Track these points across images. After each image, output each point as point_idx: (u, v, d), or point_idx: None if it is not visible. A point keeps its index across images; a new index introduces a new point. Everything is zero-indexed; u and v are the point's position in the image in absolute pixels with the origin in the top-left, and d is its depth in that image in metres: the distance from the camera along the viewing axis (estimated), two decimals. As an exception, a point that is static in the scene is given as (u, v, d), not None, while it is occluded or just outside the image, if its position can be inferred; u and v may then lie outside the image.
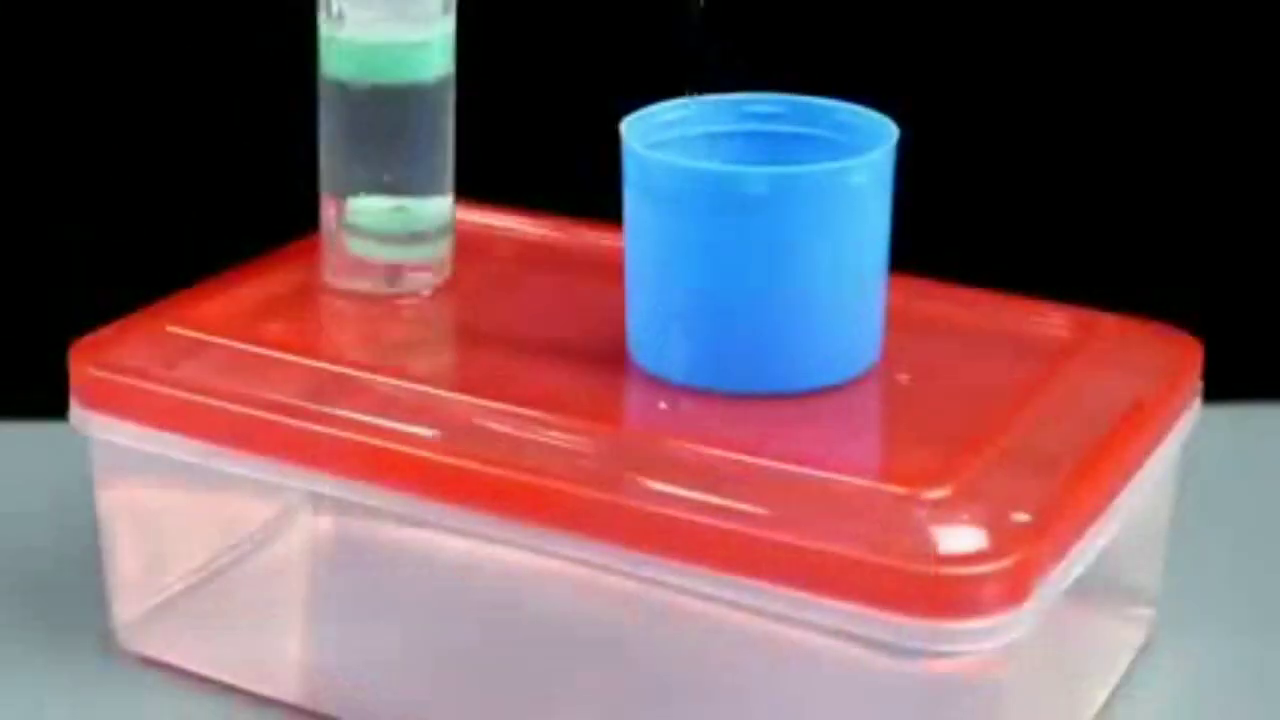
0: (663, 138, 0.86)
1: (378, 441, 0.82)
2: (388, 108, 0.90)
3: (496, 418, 0.82)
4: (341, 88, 0.90)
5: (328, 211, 0.92)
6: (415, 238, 0.92)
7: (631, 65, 0.94)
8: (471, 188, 0.95)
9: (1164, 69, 1.15)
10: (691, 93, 0.87)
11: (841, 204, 0.82)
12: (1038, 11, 1.15)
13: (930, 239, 0.94)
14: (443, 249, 0.93)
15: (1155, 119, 1.16)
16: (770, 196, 0.81)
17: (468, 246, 0.95)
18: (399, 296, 0.92)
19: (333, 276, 0.93)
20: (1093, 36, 1.16)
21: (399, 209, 0.92)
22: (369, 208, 0.92)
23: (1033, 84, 1.15)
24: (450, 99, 0.92)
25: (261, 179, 1.12)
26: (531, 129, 1.13)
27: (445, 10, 0.90)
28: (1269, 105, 1.15)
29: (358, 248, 0.92)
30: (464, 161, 0.94)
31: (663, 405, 0.84)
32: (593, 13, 1.11)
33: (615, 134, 0.85)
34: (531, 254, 0.98)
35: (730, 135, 0.88)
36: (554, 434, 0.81)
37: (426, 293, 0.93)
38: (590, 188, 0.88)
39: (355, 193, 0.92)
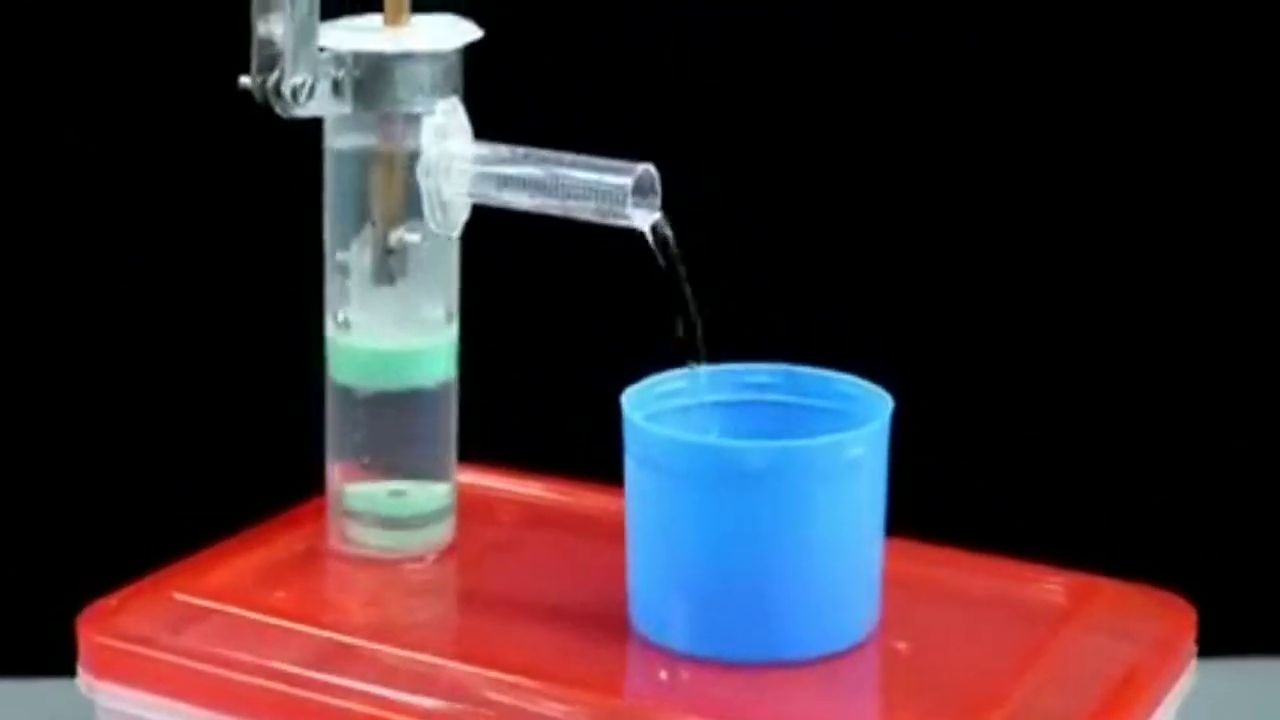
0: (662, 408, 0.86)
1: (380, 712, 0.80)
2: (392, 410, 0.90)
3: (498, 688, 0.81)
4: (347, 392, 0.91)
5: (333, 476, 0.92)
6: (413, 522, 0.92)
7: (634, 332, 0.94)
8: (474, 448, 0.95)
9: (1146, 328, 1.16)
10: (692, 364, 0.87)
11: (839, 476, 0.82)
12: (1026, 277, 1.15)
13: (927, 502, 0.94)
14: (441, 533, 0.93)
15: (1142, 383, 1.16)
16: (769, 470, 0.80)
17: (470, 509, 0.94)
18: (403, 561, 0.91)
19: (338, 541, 0.92)
20: (1074, 293, 1.16)
21: (396, 493, 0.91)
22: (366, 492, 0.91)
23: (1024, 352, 1.16)
24: (453, 400, 0.92)
25: (270, 442, 1.12)
26: (534, 391, 1.13)
27: (449, 320, 0.91)
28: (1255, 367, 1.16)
29: (355, 534, 0.92)
30: (467, 422, 0.94)
31: (663, 675, 0.82)
32: (597, 279, 1.12)
33: (618, 392, 0.85)
34: (534, 517, 0.97)
35: (729, 405, 0.89)
36: (555, 705, 0.80)
37: (430, 557, 0.92)
38: (593, 448, 0.88)
39: (357, 473, 0.91)
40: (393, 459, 0.91)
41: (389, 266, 0.88)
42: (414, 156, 0.87)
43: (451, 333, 0.91)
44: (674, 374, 0.87)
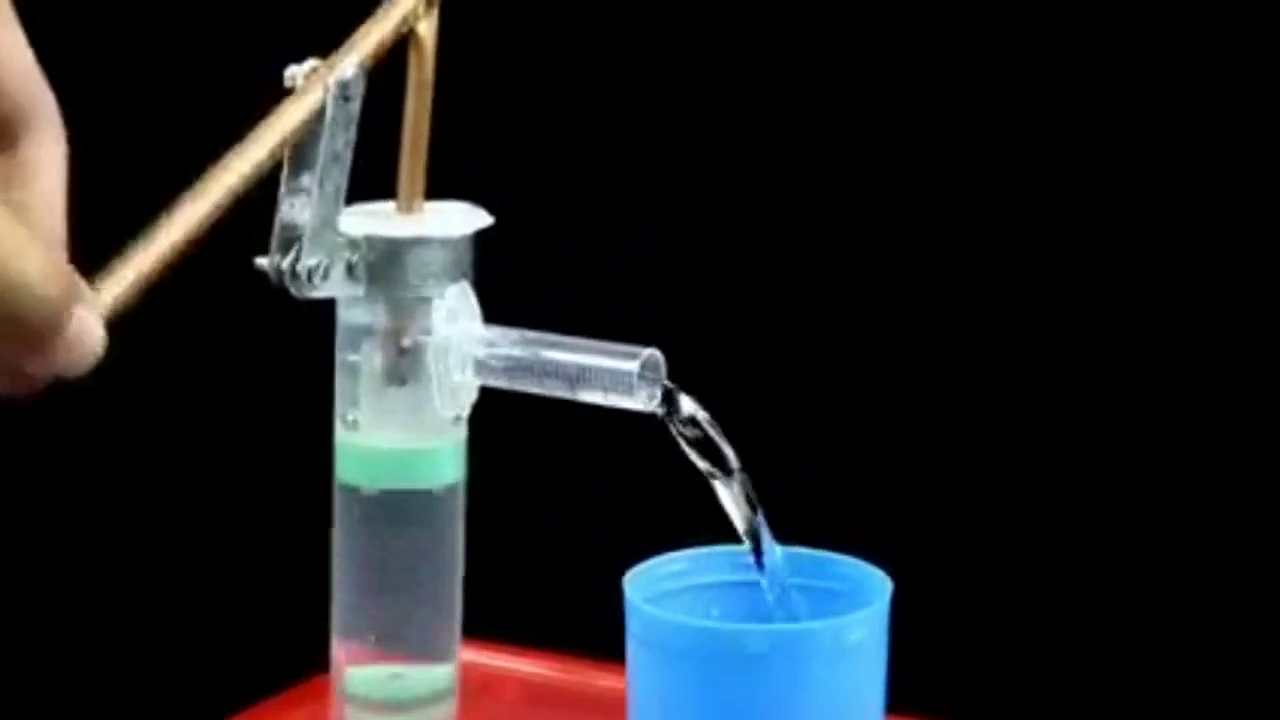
0: (663, 589, 0.85)
1: None
2: (398, 517, 0.89)
3: None
4: (354, 492, 0.89)
5: (338, 656, 0.90)
6: (413, 705, 0.89)
7: (638, 510, 0.93)
8: (477, 623, 0.94)
9: (1141, 495, 1.15)
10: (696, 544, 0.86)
11: (840, 659, 0.80)
12: (1021, 456, 1.15)
13: (927, 680, 0.93)
14: (441, 715, 0.90)
15: (1139, 561, 1.15)
16: (769, 653, 0.79)
17: (472, 686, 0.92)
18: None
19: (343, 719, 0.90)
20: (1072, 475, 1.16)
21: (396, 676, 0.89)
22: (365, 676, 0.89)
23: (1023, 530, 1.15)
24: (460, 510, 0.90)
25: (274, 617, 1.11)
26: (538, 567, 1.12)
27: (458, 421, 0.90)
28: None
29: (353, 716, 0.89)
30: (469, 596, 0.93)
31: None
32: (601, 460, 1.11)
33: (623, 569, 0.84)
34: (536, 695, 0.96)
35: (729, 585, 0.87)
36: None
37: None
38: (597, 623, 0.87)
39: (359, 655, 0.90)
40: (399, 600, 0.89)
41: (400, 367, 0.88)
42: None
43: (459, 434, 0.89)
44: (675, 555, 0.86)
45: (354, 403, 0.88)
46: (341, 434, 0.89)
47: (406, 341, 0.87)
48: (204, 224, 0.75)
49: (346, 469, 0.89)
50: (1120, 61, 1.14)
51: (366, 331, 0.87)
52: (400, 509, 0.89)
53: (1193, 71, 1.12)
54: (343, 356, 0.88)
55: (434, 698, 0.90)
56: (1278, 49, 1.12)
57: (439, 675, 0.90)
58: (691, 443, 0.83)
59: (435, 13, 0.87)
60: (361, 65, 0.83)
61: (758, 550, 0.84)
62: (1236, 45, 1.13)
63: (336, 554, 0.90)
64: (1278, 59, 1.12)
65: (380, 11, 0.85)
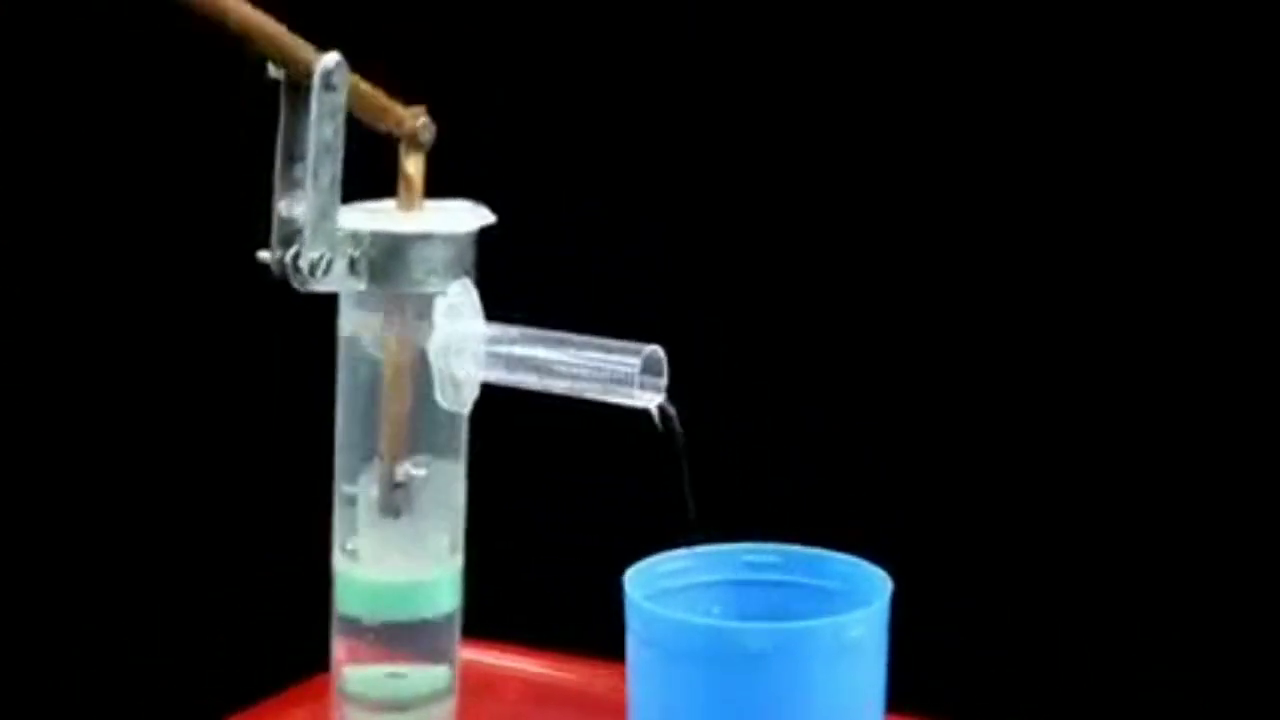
0: (664, 587, 0.85)
1: None
2: (397, 642, 0.89)
3: None
4: (354, 621, 0.89)
5: (339, 655, 0.89)
6: (412, 704, 0.89)
7: (639, 509, 0.93)
8: (478, 622, 0.94)
9: (1139, 495, 1.15)
10: (694, 542, 0.86)
11: (840, 657, 0.80)
12: (1020, 455, 1.15)
13: (927, 679, 0.92)
14: (441, 714, 0.90)
15: (1141, 561, 1.15)
16: (770, 651, 0.79)
17: (474, 686, 0.92)
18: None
19: (341, 717, 0.90)
20: (1071, 474, 1.15)
21: (394, 675, 0.89)
22: (364, 675, 0.89)
23: (1022, 528, 1.15)
24: (458, 626, 0.90)
25: (274, 617, 1.11)
26: (538, 566, 1.12)
27: (454, 550, 0.90)
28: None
29: (353, 717, 0.89)
30: (470, 596, 0.92)
31: None
32: (601, 459, 1.11)
33: (623, 567, 0.84)
34: (536, 694, 0.96)
35: (730, 584, 0.87)
36: None
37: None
38: (597, 622, 0.87)
39: (357, 660, 0.89)
40: (396, 649, 0.89)
41: (395, 499, 0.87)
42: (421, 370, 0.86)
43: (456, 563, 0.89)
44: (676, 553, 0.86)
45: (352, 532, 0.88)
46: (341, 564, 0.89)
47: (400, 474, 0.87)
48: None
49: (346, 601, 0.89)
50: (1120, 61, 1.13)
51: (364, 463, 0.87)
52: (399, 635, 0.89)
53: (1193, 71, 1.12)
54: (340, 487, 0.88)
55: (434, 697, 0.90)
56: (1277, 49, 1.12)
57: (438, 674, 0.90)
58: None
59: (422, 156, 0.87)
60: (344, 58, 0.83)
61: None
62: (1236, 45, 1.13)
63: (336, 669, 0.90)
64: (1277, 59, 1.12)
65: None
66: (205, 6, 0.79)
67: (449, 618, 0.89)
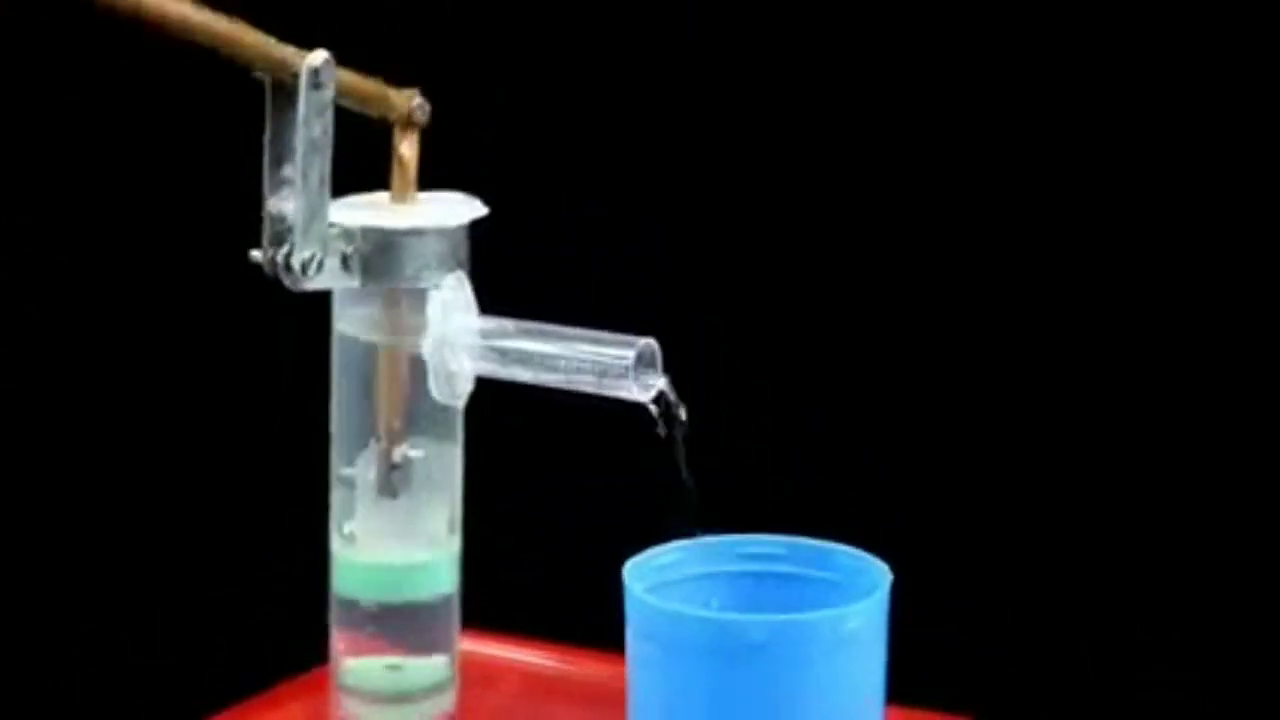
0: (664, 579, 0.84)
1: None
2: (395, 624, 0.88)
3: None
4: (352, 603, 0.88)
5: (337, 646, 0.89)
6: (412, 696, 0.88)
7: (638, 500, 0.92)
8: (477, 613, 0.93)
9: (1140, 488, 1.14)
10: (693, 533, 0.85)
11: (840, 649, 0.79)
12: (1021, 449, 1.14)
13: (927, 671, 0.92)
14: (441, 705, 0.89)
15: (1142, 554, 1.14)
16: (770, 643, 0.78)
17: (473, 677, 0.91)
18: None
19: (340, 710, 0.89)
20: (1072, 465, 1.15)
21: (393, 667, 0.88)
22: (363, 667, 0.88)
23: (1023, 520, 1.14)
24: (456, 609, 0.89)
25: (276, 609, 1.10)
26: (538, 557, 1.11)
27: (451, 531, 0.89)
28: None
29: (352, 709, 0.88)
30: (469, 587, 0.92)
31: None
32: (599, 449, 1.10)
33: (622, 559, 0.83)
34: (536, 686, 0.95)
35: (729, 576, 0.86)
36: None
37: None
38: (597, 614, 0.86)
39: (355, 652, 0.89)
40: (394, 638, 0.88)
41: (392, 481, 0.86)
42: (417, 361, 0.85)
43: (454, 545, 0.89)
44: (675, 545, 0.85)
45: (349, 515, 0.87)
46: (339, 548, 0.88)
47: (398, 455, 0.87)
48: None
49: (344, 584, 0.88)
50: (1120, 61, 1.13)
51: (362, 356, 0.86)
52: (397, 617, 0.88)
53: (1193, 71, 1.12)
54: (337, 469, 0.87)
55: (434, 688, 0.89)
56: (1277, 49, 1.12)
57: (437, 665, 0.89)
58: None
59: (417, 136, 0.86)
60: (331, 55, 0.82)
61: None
62: (1237, 45, 1.12)
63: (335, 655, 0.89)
64: (1277, 59, 1.12)
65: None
66: (173, 28, 0.78)
67: (447, 600, 0.88)
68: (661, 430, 0.82)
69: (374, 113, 0.85)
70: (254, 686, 0.93)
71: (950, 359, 1.17)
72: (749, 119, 1.19)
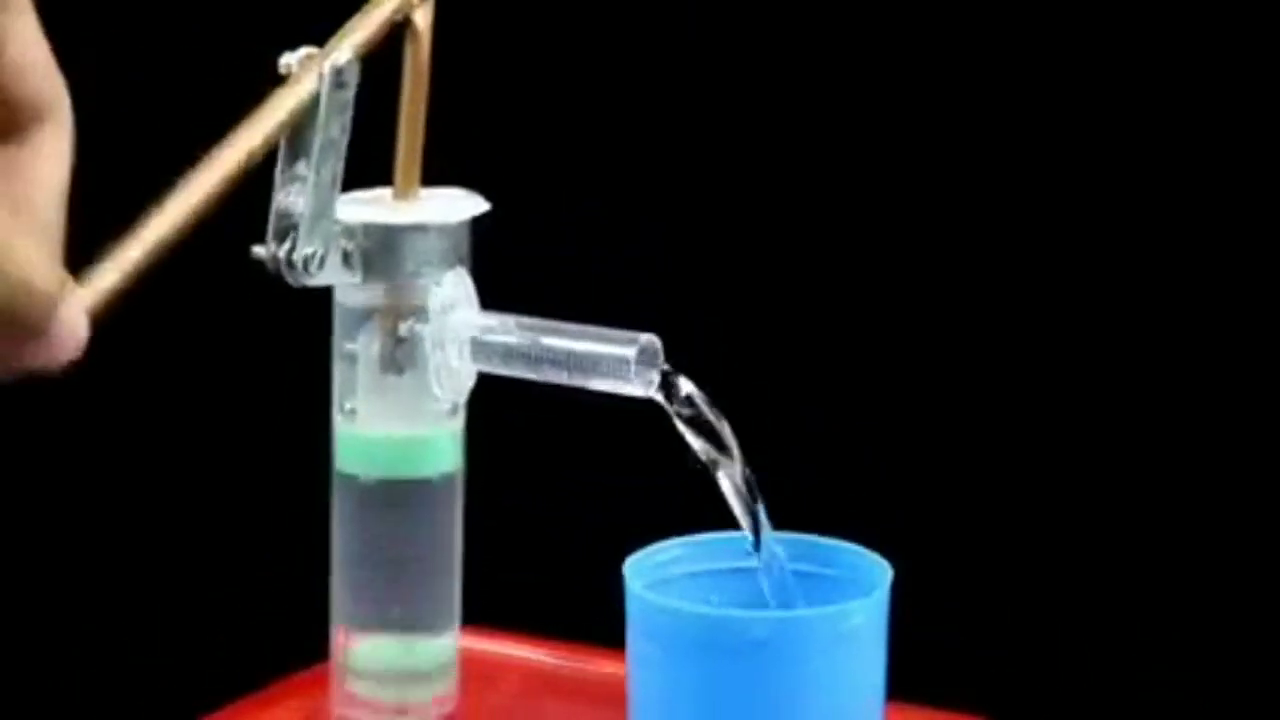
0: (663, 575, 0.83)
1: None
2: (396, 506, 0.87)
3: None
4: (351, 481, 0.87)
5: (337, 642, 0.88)
6: (418, 677, 0.88)
7: (638, 495, 0.92)
8: (478, 612, 0.93)
9: (1143, 489, 1.14)
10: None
11: (840, 646, 0.79)
12: (1024, 445, 1.14)
13: (928, 667, 0.91)
14: (446, 685, 0.89)
15: (1143, 550, 1.14)
16: (770, 640, 0.78)
17: (473, 674, 0.91)
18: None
19: (341, 708, 0.88)
20: (1076, 461, 1.14)
21: (401, 645, 0.87)
22: (371, 647, 0.88)
23: (1024, 516, 1.14)
24: (458, 499, 0.89)
25: (273, 607, 1.10)
26: (538, 553, 1.11)
27: (455, 411, 0.88)
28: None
29: (359, 687, 0.88)
30: (470, 582, 0.91)
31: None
32: (599, 447, 1.10)
33: (623, 555, 0.82)
34: (537, 683, 0.95)
35: (729, 572, 0.86)
36: None
37: (433, 721, 0.89)
38: (598, 610, 0.86)
39: (363, 626, 0.88)
40: (399, 589, 0.88)
41: (397, 356, 0.86)
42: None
43: (456, 424, 0.88)
44: (676, 542, 0.85)
45: (352, 391, 0.86)
46: (340, 423, 0.87)
47: (404, 330, 0.86)
48: (196, 214, 0.74)
49: (345, 458, 0.87)
50: (1120, 61, 1.12)
51: (364, 318, 0.86)
52: (398, 497, 0.87)
53: (1193, 71, 1.11)
54: (340, 345, 0.87)
55: (438, 671, 0.89)
56: (1277, 49, 1.11)
57: (440, 648, 0.89)
58: (690, 424, 0.81)
59: (431, 3, 0.85)
60: (356, 52, 0.82)
61: (756, 536, 0.82)
62: (1237, 45, 1.12)
63: (336, 540, 0.89)
64: (1277, 59, 1.11)
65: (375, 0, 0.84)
66: None
67: (448, 480, 0.87)
68: (678, 414, 0.81)
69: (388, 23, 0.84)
70: (252, 684, 0.93)
71: (950, 358, 1.16)
72: (749, 119, 1.19)
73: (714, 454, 0.82)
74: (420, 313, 0.85)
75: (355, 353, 0.86)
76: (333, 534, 0.88)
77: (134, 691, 1.14)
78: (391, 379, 0.86)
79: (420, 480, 0.87)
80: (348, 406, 0.87)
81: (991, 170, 1.15)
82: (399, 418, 0.87)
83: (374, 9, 0.83)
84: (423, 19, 0.85)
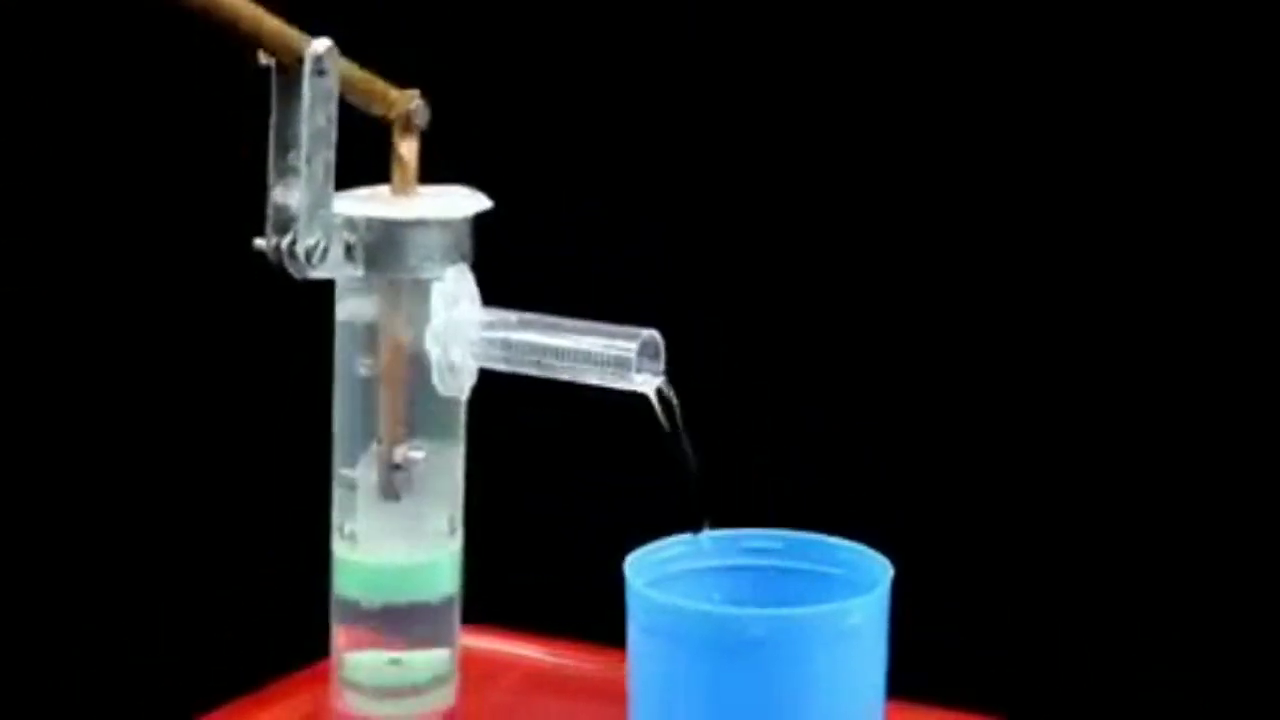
0: (664, 573, 0.83)
1: None
2: (398, 618, 0.87)
3: None
4: (353, 604, 0.87)
5: (338, 640, 0.88)
6: (412, 691, 0.88)
7: (639, 494, 0.92)
8: (478, 611, 0.92)
9: (1144, 484, 1.14)
10: (696, 528, 0.85)
11: (840, 643, 0.79)
12: (1022, 443, 1.14)
13: (928, 665, 0.91)
14: (442, 699, 0.88)
15: (1144, 548, 1.14)
16: (770, 638, 0.78)
17: (474, 673, 0.91)
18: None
19: (342, 704, 0.88)
20: (1073, 460, 1.14)
21: (394, 661, 0.87)
22: (364, 661, 0.87)
23: (1024, 514, 1.14)
24: (457, 609, 0.89)
25: (272, 606, 1.10)
26: (539, 552, 1.11)
27: (452, 532, 0.88)
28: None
29: (354, 703, 0.87)
30: (470, 582, 0.91)
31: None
32: (600, 444, 1.10)
33: (624, 553, 0.82)
34: (536, 681, 0.95)
35: (730, 570, 0.86)
36: None
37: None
38: (598, 608, 0.85)
39: (357, 646, 0.88)
40: (395, 635, 0.88)
41: (394, 483, 0.86)
42: (419, 354, 0.85)
43: (455, 545, 0.88)
44: (677, 539, 0.85)
45: (351, 515, 0.86)
46: (340, 548, 0.87)
47: (399, 457, 0.86)
48: None
49: (345, 584, 0.87)
50: (1120, 61, 1.12)
51: (365, 333, 0.85)
52: (398, 617, 0.87)
53: (1193, 71, 1.11)
54: (339, 472, 0.87)
55: (434, 683, 0.88)
56: (1277, 49, 1.11)
57: (438, 659, 0.88)
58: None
59: (416, 138, 0.86)
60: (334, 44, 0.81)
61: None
62: (1237, 45, 1.11)
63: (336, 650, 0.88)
64: (1277, 59, 1.11)
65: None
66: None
67: (448, 600, 0.88)
68: (664, 425, 0.81)
69: (376, 111, 0.85)
70: (253, 682, 0.93)
71: (950, 358, 1.16)
72: (748, 119, 1.18)
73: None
74: (420, 351, 0.84)
75: (354, 479, 0.86)
76: (333, 653, 0.88)
77: (133, 691, 1.14)
78: (389, 505, 0.86)
79: (420, 604, 0.87)
80: (347, 530, 0.87)
81: (991, 170, 1.15)
82: (398, 542, 0.87)
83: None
84: (408, 151, 0.86)
